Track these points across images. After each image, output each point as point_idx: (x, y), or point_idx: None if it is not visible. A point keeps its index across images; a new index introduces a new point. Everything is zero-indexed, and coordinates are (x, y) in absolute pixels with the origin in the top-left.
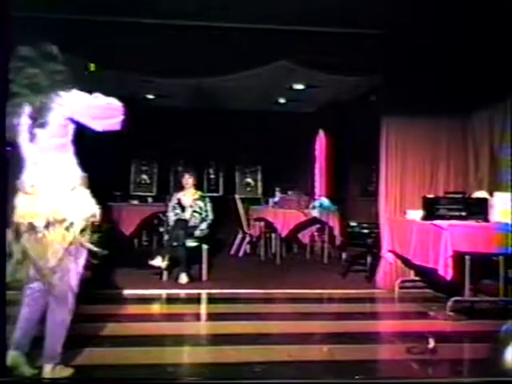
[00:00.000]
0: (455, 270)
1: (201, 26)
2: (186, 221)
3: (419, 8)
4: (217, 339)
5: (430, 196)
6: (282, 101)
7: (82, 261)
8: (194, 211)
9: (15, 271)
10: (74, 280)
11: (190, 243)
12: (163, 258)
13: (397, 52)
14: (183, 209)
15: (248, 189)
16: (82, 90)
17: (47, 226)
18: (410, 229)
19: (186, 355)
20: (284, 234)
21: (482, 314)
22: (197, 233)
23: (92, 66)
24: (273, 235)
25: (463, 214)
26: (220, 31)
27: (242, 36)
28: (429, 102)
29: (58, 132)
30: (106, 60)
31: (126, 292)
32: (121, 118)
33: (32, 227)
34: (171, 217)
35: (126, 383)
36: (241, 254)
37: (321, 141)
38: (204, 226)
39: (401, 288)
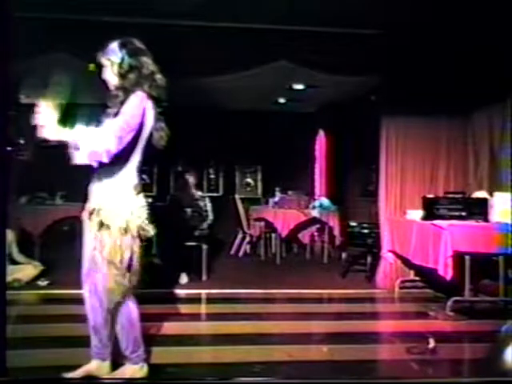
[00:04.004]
0: (455, 269)
1: (200, 25)
2: (186, 220)
3: (419, 8)
4: (217, 339)
5: (430, 196)
6: (281, 101)
7: None
8: (194, 211)
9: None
10: None
11: (190, 243)
12: None
13: (397, 52)
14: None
15: (248, 189)
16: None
17: None
18: (409, 229)
19: (186, 355)
20: (284, 234)
21: (482, 314)
22: (197, 233)
23: (91, 67)
24: (273, 235)
25: (463, 214)
26: (219, 31)
27: (241, 36)
28: (429, 102)
29: None
30: None
31: None
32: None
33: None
34: None
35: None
36: (241, 253)
37: (321, 141)
38: (204, 226)
39: (401, 288)
